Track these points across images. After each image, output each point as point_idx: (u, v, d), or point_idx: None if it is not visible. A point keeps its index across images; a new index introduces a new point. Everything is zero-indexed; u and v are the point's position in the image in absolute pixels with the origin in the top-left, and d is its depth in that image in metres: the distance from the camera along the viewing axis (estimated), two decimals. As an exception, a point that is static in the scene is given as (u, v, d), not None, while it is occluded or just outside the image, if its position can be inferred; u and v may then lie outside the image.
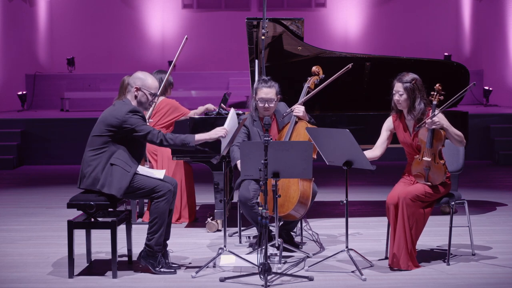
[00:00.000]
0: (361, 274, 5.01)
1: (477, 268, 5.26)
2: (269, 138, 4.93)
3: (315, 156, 5.41)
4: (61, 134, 11.83)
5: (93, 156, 5.13)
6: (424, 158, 5.24)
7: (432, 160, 5.22)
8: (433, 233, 6.24)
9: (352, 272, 5.13)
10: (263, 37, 6.47)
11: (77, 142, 11.08)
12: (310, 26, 12.87)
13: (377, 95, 6.35)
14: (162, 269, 5.17)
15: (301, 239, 6.05)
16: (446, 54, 15.03)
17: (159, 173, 5.29)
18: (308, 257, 5.55)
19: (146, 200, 7.06)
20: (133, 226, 5.69)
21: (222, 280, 4.94)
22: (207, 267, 5.23)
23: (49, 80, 15.20)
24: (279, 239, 5.42)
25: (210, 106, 7.00)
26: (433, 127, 5.17)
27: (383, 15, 16.50)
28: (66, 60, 15.52)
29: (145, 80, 5.23)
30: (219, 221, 6.53)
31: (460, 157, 5.85)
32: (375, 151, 5.46)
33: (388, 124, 5.49)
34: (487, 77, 14.68)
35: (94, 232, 5.57)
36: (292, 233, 5.98)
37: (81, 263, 5.42)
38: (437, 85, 5.27)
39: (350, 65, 6.13)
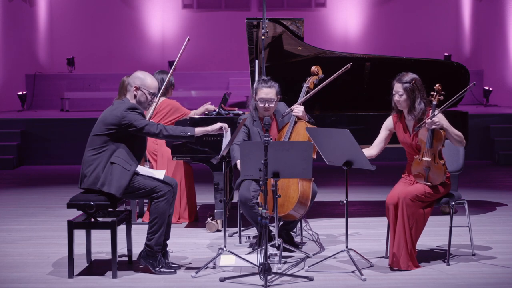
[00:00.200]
0: (361, 274, 5.01)
1: (477, 268, 5.26)
2: (269, 138, 4.93)
3: (314, 156, 5.41)
4: (61, 134, 11.83)
5: (93, 155, 5.13)
6: (424, 158, 5.23)
7: (432, 160, 5.22)
8: (433, 233, 6.24)
9: (352, 272, 5.13)
10: (263, 37, 6.47)
11: (77, 142, 11.08)
12: (310, 26, 12.86)
13: (377, 95, 6.35)
14: (162, 269, 5.17)
15: (301, 239, 6.05)
16: (446, 54, 15.03)
17: (159, 173, 5.29)
18: (308, 257, 5.55)
19: (146, 200, 7.06)
20: (133, 226, 5.69)
21: (222, 280, 4.94)
22: (207, 267, 5.23)
23: (49, 80, 15.19)
24: (279, 239, 5.42)
25: (209, 106, 6.99)
26: (433, 127, 5.17)
27: (383, 15, 16.50)
28: (66, 60, 15.52)
29: (144, 79, 5.23)
30: (219, 221, 6.53)
31: (460, 157, 5.85)
32: (371, 150, 5.46)
33: (388, 123, 5.49)
34: (487, 77, 14.68)
35: (94, 232, 5.57)
36: (292, 233, 5.98)
37: (81, 263, 5.42)
38: (437, 85, 5.27)
39: (349, 65, 6.13)
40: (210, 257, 5.40)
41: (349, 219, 5.36)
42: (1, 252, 5.91)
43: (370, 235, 6.36)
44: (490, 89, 13.96)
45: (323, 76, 6.03)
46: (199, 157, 6.49)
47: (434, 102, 5.22)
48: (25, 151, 11.74)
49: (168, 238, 5.31)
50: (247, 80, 8.23)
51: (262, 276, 4.82)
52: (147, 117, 6.47)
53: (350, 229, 5.66)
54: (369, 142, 5.61)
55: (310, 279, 4.96)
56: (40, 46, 15.96)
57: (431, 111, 5.23)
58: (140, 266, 5.28)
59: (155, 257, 5.17)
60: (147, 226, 5.23)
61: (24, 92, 14.49)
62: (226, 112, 6.81)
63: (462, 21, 16.14)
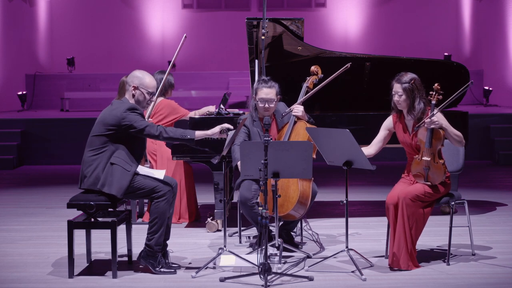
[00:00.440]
0: (361, 274, 5.01)
1: (477, 268, 5.26)
2: (269, 138, 4.93)
3: (314, 156, 5.41)
4: (61, 134, 11.83)
5: (93, 156, 5.13)
6: (423, 158, 5.23)
7: (432, 159, 5.22)
8: (433, 233, 6.24)
9: (352, 272, 5.13)
10: (263, 37, 6.47)
11: (77, 142, 11.07)
12: (310, 26, 12.86)
13: (377, 95, 6.35)
14: (162, 269, 5.17)
15: (301, 239, 6.05)
16: (446, 54, 15.03)
17: (159, 173, 5.28)
18: (308, 257, 5.55)
19: (146, 200, 7.06)
20: (133, 226, 5.69)
21: (222, 280, 4.94)
22: (207, 267, 5.23)
23: (49, 80, 15.20)
24: (279, 239, 5.42)
25: (211, 109, 6.96)
26: (432, 126, 5.17)
27: (383, 15, 16.50)
28: (66, 60, 15.52)
29: (143, 78, 5.22)
30: (219, 221, 6.53)
31: (460, 157, 5.85)
32: (369, 149, 5.47)
33: (388, 123, 5.49)
34: (487, 77, 14.68)
35: (94, 232, 5.57)
36: (292, 233, 5.98)
37: (81, 263, 5.42)
38: (436, 84, 5.27)
39: (348, 65, 6.13)
40: (210, 257, 5.40)
41: (349, 219, 5.36)
42: (1, 252, 5.91)
43: (370, 235, 6.36)
44: (490, 89, 13.96)
45: (322, 76, 6.03)
46: (199, 157, 6.49)
47: (433, 102, 5.22)
48: (25, 151, 11.74)
49: (168, 238, 5.31)
50: (247, 80, 8.24)
51: (262, 276, 4.82)
52: (146, 116, 6.48)
53: (350, 229, 5.66)
54: (369, 142, 5.61)
55: (310, 279, 4.96)
56: (40, 46, 15.97)
57: (430, 110, 5.23)
58: (140, 266, 5.28)
59: (155, 257, 5.17)
60: (147, 226, 5.23)
61: (24, 92, 14.49)
62: (226, 112, 6.81)
63: (462, 21, 16.14)
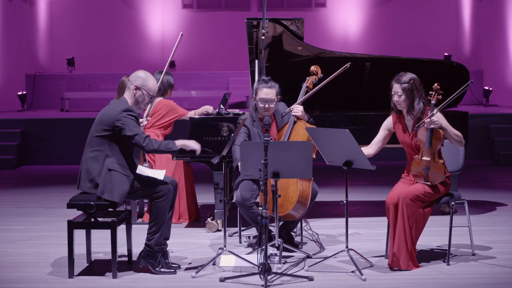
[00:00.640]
0: (361, 274, 5.01)
1: (477, 268, 5.26)
2: (269, 138, 4.93)
3: (314, 156, 5.41)
4: (61, 134, 11.83)
5: (91, 157, 5.11)
6: (423, 158, 5.23)
7: (431, 159, 5.22)
8: (433, 233, 6.24)
9: (352, 272, 5.13)
10: (263, 37, 6.47)
11: (77, 142, 11.05)
12: (310, 26, 12.86)
13: (377, 95, 6.35)
14: (162, 269, 5.17)
15: (301, 239, 6.05)
16: (446, 54, 15.03)
17: (159, 173, 5.28)
18: (308, 257, 5.55)
19: (146, 200, 7.05)
20: (133, 226, 5.69)
21: (222, 280, 4.94)
22: (207, 267, 5.23)
23: (49, 80, 15.19)
24: (279, 239, 5.42)
25: (209, 110, 6.95)
26: (432, 126, 5.17)
27: (383, 15, 16.50)
28: (66, 60, 15.52)
29: (146, 80, 5.20)
30: (219, 221, 6.53)
31: (460, 157, 5.85)
32: (369, 149, 5.47)
33: (387, 123, 5.49)
34: (487, 77, 14.68)
35: (94, 232, 5.56)
36: (292, 233, 5.98)
37: (81, 263, 5.42)
38: (435, 84, 5.27)
39: (348, 64, 6.13)
40: (210, 257, 5.41)
41: (349, 219, 5.36)
42: (1, 252, 5.91)
43: (370, 235, 6.36)
44: (490, 89, 13.96)
45: (322, 75, 6.03)
46: (199, 157, 6.48)
47: (433, 102, 5.22)
48: (25, 151, 11.74)
49: (168, 238, 5.30)
50: (247, 80, 8.23)
51: (262, 276, 4.82)
52: (144, 115, 6.47)
53: (350, 229, 5.66)
54: (369, 142, 5.61)
55: (310, 279, 4.96)
56: (40, 46, 15.96)
57: (430, 110, 5.23)
58: (140, 266, 5.28)
59: (155, 257, 5.17)
60: (147, 226, 5.23)
61: (24, 92, 14.49)
62: (226, 112, 6.81)
63: (462, 21, 16.14)
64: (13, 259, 5.69)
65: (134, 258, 5.40)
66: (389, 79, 5.41)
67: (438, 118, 5.18)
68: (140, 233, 5.97)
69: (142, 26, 16.56)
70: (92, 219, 5.23)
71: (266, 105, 5.81)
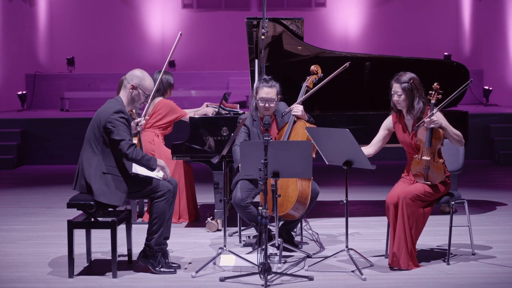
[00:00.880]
0: (361, 274, 5.01)
1: (477, 267, 5.26)
2: (269, 138, 4.92)
3: (314, 155, 5.41)
4: (61, 134, 11.82)
5: (87, 158, 5.09)
6: (423, 158, 5.23)
7: (431, 159, 5.22)
8: (433, 233, 6.24)
9: (352, 271, 5.13)
10: (263, 37, 6.47)
11: (77, 142, 10.98)
12: (310, 26, 12.85)
13: (377, 95, 6.35)
14: (162, 269, 5.17)
15: (301, 239, 6.05)
16: (446, 54, 15.03)
17: (159, 173, 5.28)
18: (308, 256, 5.55)
19: (146, 200, 7.05)
20: (133, 226, 5.69)
21: (222, 280, 4.94)
22: (207, 267, 5.23)
23: (49, 80, 15.19)
24: (279, 239, 5.42)
25: (209, 110, 6.95)
26: (432, 126, 5.17)
27: (383, 15, 16.50)
28: (66, 60, 15.52)
29: (143, 79, 5.20)
30: (219, 221, 6.53)
31: (460, 157, 5.85)
32: (369, 149, 5.47)
33: (387, 123, 5.49)
34: (487, 77, 14.68)
35: (94, 232, 5.57)
36: (292, 232, 5.98)
37: (81, 263, 5.42)
38: (435, 84, 5.27)
39: (347, 64, 6.13)
40: (210, 257, 5.40)
41: (349, 219, 5.36)
42: (1, 252, 5.91)
43: (370, 234, 6.36)
44: (490, 88, 13.96)
45: (322, 75, 6.03)
46: (199, 156, 6.49)
47: (433, 101, 5.22)
48: (25, 151, 11.74)
49: (168, 237, 5.30)
50: (247, 80, 8.24)
51: (262, 276, 4.82)
52: (143, 114, 6.46)
53: (350, 228, 5.66)
54: (369, 142, 5.61)
55: (310, 278, 4.96)
56: (40, 46, 15.96)
57: (429, 110, 5.23)
58: (140, 266, 5.28)
59: (155, 257, 5.17)
60: (147, 226, 5.23)
61: (24, 92, 14.49)
62: (226, 111, 6.81)
63: (462, 21, 16.14)
64: (13, 259, 5.69)
65: (134, 258, 5.40)
66: (389, 78, 5.41)
67: (438, 117, 5.18)
68: (140, 233, 5.96)
69: (142, 26, 16.56)
70: (92, 219, 5.23)
71: (267, 105, 5.80)
